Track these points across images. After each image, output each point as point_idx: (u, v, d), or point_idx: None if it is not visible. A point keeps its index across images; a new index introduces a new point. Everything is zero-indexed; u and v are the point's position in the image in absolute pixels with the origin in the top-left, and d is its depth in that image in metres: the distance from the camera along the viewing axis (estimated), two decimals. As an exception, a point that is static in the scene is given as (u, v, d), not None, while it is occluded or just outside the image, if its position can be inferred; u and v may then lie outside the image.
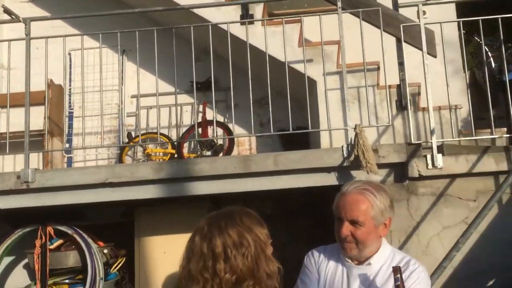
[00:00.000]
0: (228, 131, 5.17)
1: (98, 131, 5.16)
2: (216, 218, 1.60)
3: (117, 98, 5.47)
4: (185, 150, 5.38)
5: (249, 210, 1.66)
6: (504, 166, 3.43)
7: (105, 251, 4.60)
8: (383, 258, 1.93)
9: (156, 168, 3.49)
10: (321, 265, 2.03)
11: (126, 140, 5.23)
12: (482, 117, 4.89)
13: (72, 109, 5.51)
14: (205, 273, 1.50)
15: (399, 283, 1.74)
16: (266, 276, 1.52)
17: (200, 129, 5.27)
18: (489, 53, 8.26)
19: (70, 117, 5.42)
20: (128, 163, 4.76)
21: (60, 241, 4.46)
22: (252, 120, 3.91)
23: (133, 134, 5.33)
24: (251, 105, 3.91)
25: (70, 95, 5.55)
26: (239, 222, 1.56)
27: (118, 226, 4.96)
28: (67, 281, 4.37)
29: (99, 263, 4.29)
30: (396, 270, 1.76)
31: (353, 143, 3.50)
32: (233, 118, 4.01)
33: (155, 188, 3.59)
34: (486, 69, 5.06)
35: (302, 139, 5.02)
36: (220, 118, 5.56)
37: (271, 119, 3.91)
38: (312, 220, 5.31)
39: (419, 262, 1.95)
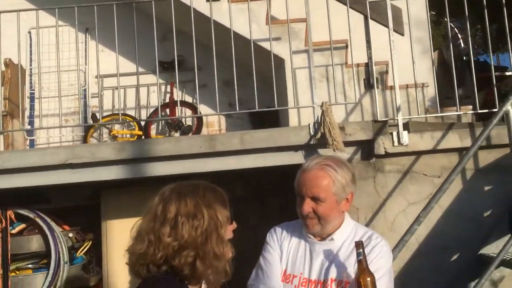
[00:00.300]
0: (196, 112, 5.07)
1: (61, 112, 4.99)
2: (181, 186, 1.58)
3: (81, 79, 5.29)
4: (152, 132, 5.27)
5: (218, 188, 1.63)
6: (468, 142, 3.45)
7: (70, 234, 4.50)
8: (345, 233, 1.91)
9: (118, 148, 3.39)
10: (284, 241, 2.00)
11: (91, 122, 5.08)
12: (449, 96, 4.93)
13: (34, 90, 5.30)
14: (151, 234, 1.49)
15: (361, 257, 1.73)
16: (213, 255, 1.50)
17: (168, 110, 5.17)
18: (458, 34, 8.35)
19: (32, 98, 5.22)
20: (89, 144, 4.61)
21: (22, 226, 4.33)
22: (218, 99, 3.84)
23: (98, 115, 5.18)
24: (216, 84, 3.82)
25: (31, 76, 5.34)
26: (201, 196, 1.54)
27: (85, 209, 4.84)
28: (30, 266, 4.26)
29: (63, 247, 4.19)
30: (359, 244, 1.74)
31: (319, 121, 3.47)
32: (197, 97, 3.91)
33: (118, 169, 3.49)
34: (452, 48, 5.11)
35: (273, 119, 4.97)
36: (189, 99, 5.46)
37: (236, 99, 3.84)
38: (283, 200, 5.30)
39: (382, 237, 1.94)
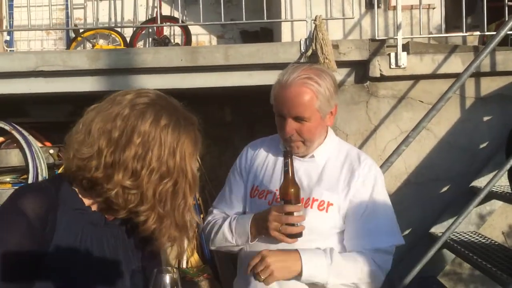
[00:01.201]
0: (185, 30, 4.76)
1: (42, 23, 4.67)
2: (166, 108, 1.19)
3: (62, -13, 4.92)
4: (139, 49, 4.98)
5: (200, 137, 1.26)
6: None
7: (51, 151, 4.34)
8: (328, 151, 1.72)
9: (92, 56, 3.13)
10: (258, 158, 1.81)
11: (73, 35, 4.79)
12: (457, 25, 4.59)
13: (13, -3, 4.95)
14: (107, 149, 1.13)
15: (288, 168, 1.56)
16: (172, 220, 1.20)
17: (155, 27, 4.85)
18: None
19: (10, 6, 4.88)
20: (61, 50, 4.35)
21: (0, 138, 4.19)
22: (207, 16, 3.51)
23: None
24: None
25: (9, -18, 4.97)
26: (181, 143, 1.18)
27: (66, 126, 4.66)
28: (9, 180, 4.15)
29: (42, 162, 4.05)
30: (287, 154, 1.57)
31: (311, 36, 3.18)
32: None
33: (93, 80, 3.25)
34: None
35: (267, 39, 4.67)
36: (179, 15, 5.11)
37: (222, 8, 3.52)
38: (274, 127, 5.12)
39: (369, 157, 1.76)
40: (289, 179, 1.56)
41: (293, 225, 1.54)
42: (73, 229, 1.17)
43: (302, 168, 1.70)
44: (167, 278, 1.11)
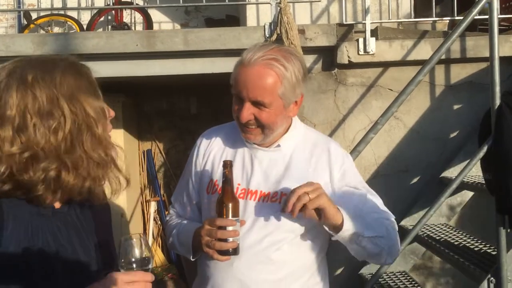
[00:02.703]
0: (146, 17, 4.51)
1: (-9, 9, 4.37)
2: (25, 66, 1.10)
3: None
4: (97, 38, 4.70)
5: (83, 67, 1.17)
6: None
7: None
8: (294, 140, 1.56)
9: (37, 41, 2.87)
10: (214, 149, 1.62)
11: (25, 23, 4.47)
12: (425, 15, 4.51)
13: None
14: None
15: (226, 179, 1.42)
16: (89, 161, 1.10)
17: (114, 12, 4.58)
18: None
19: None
20: (2, 34, 4.05)
21: None
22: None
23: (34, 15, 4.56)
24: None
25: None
26: (57, 83, 1.08)
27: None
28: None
29: None
30: (226, 164, 1.42)
31: (276, 20, 3.01)
32: None
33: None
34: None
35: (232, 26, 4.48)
36: (140, 2, 4.86)
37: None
38: (241, 120, 4.94)
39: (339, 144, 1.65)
40: (227, 192, 1.40)
41: (226, 240, 1.38)
42: (23, 223, 1.09)
43: (267, 159, 1.53)
44: (135, 242, 1.08)
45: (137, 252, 1.07)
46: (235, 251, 1.39)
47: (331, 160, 1.53)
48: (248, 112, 1.44)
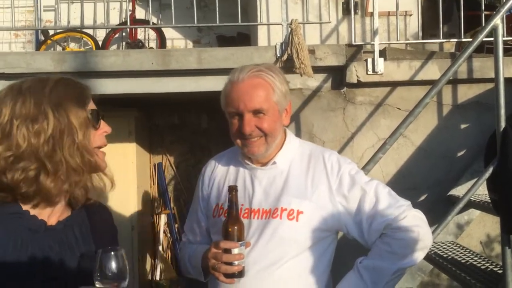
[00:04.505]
0: (160, 34, 4.64)
1: (11, 26, 4.49)
2: (24, 82, 1.21)
3: (32, -12, 4.75)
4: (112, 54, 4.83)
5: (77, 83, 1.25)
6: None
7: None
8: (289, 155, 1.61)
9: (57, 59, 2.98)
10: (218, 174, 1.69)
11: (42, 38, 4.61)
12: (433, 33, 4.59)
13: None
14: None
15: (231, 203, 1.46)
16: (68, 167, 1.16)
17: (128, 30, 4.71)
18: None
19: (-24, 7, 4.68)
20: (24, 51, 4.17)
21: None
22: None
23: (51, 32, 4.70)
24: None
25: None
26: (47, 92, 1.17)
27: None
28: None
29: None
30: (231, 189, 1.46)
31: (287, 41, 3.10)
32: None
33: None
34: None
35: (243, 44, 4.58)
36: (153, 20, 4.99)
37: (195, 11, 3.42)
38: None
39: (332, 150, 1.67)
40: (232, 216, 1.45)
41: (231, 263, 1.42)
42: (12, 235, 1.11)
43: (265, 177, 1.59)
44: (112, 256, 1.05)
45: (113, 266, 1.05)
46: (241, 274, 1.43)
47: (327, 169, 1.57)
48: (250, 123, 1.50)
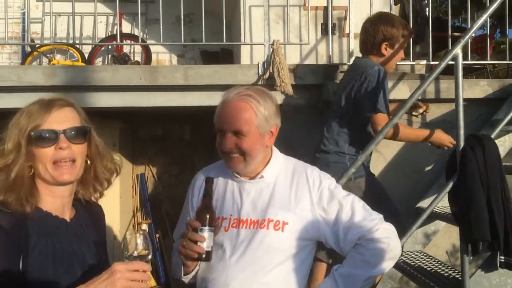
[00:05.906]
0: (146, 48, 4.79)
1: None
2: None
3: (19, 1, 4.85)
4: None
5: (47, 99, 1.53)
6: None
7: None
8: (276, 169, 1.76)
9: (48, 73, 3.11)
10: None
11: (29, 50, 4.71)
12: (406, 53, 4.84)
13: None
14: None
15: (206, 193, 1.64)
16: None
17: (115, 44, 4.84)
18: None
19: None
20: (15, 65, 4.27)
21: None
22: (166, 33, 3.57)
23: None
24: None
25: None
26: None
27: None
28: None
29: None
30: (208, 181, 1.64)
31: (269, 60, 3.30)
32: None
33: (49, 97, 3.22)
34: (414, 3, 4.97)
35: (226, 60, 4.77)
36: (139, 34, 5.13)
37: (182, 30, 3.59)
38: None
39: (313, 167, 1.82)
40: (205, 204, 1.62)
41: (196, 243, 1.56)
42: (44, 234, 1.37)
43: (254, 190, 1.73)
44: (138, 237, 1.32)
45: (139, 246, 1.32)
46: (205, 258, 1.57)
47: (309, 184, 1.72)
48: (230, 141, 1.66)
